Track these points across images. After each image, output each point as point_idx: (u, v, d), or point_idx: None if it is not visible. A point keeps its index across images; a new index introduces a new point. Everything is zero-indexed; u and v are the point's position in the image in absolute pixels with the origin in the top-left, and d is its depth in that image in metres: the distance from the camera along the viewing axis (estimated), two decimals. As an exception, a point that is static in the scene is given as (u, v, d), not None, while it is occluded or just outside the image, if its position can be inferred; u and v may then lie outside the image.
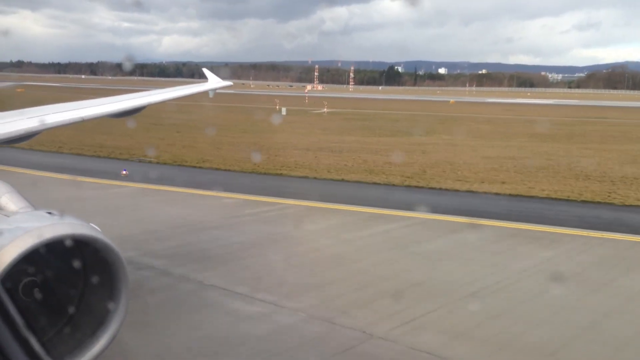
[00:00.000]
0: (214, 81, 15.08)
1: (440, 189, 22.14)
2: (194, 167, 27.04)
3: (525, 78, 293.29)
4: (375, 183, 23.34)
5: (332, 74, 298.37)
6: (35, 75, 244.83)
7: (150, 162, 28.18)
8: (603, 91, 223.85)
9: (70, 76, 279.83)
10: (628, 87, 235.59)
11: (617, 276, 12.16)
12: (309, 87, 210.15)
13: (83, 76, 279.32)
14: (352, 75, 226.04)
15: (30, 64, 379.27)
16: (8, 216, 4.06)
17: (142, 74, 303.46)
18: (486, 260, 13.05)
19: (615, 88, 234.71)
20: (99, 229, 3.94)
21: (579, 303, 10.62)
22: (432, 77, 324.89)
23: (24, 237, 3.44)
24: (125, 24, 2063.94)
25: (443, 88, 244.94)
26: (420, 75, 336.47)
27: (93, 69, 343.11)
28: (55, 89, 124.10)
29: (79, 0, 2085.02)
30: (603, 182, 23.94)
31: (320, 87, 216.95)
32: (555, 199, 20.47)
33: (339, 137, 42.45)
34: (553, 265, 12.85)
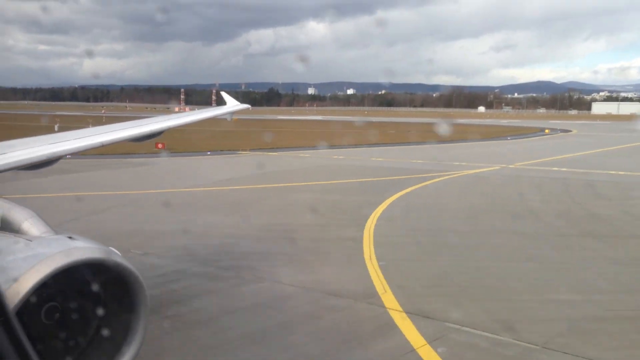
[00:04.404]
0: (231, 104, 15.21)
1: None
2: None
3: (390, 98, 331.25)
4: None
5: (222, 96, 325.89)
6: None
7: None
8: (438, 109, 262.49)
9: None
10: (462, 106, 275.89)
11: None
12: (176, 108, 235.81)
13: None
14: (214, 97, 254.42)
15: None
16: (31, 240, 4.20)
17: (34, 98, 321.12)
18: None
19: (451, 107, 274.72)
20: (118, 252, 4.26)
21: None
22: (314, 98, 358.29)
23: (45, 262, 3.64)
24: (42, 47, 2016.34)
25: (304, 108, 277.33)
26: (301, 95, 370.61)
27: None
28: None
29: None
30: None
31: (187, 108, 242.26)
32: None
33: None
34: None
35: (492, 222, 17.35)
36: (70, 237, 4.11)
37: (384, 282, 11.12)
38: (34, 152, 6.46)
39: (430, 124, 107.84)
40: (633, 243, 14.99)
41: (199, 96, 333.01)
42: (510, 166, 33.28)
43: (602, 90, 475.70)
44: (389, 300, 10.14)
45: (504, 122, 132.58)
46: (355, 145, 50.36)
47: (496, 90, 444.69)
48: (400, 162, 36.06)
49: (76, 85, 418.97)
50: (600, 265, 12.73)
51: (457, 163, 34.09)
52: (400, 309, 9.67)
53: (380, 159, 37.66)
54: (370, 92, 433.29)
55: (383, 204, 19.84)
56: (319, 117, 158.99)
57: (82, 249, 3.89)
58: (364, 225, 16.23)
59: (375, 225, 16.27)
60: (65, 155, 7.08)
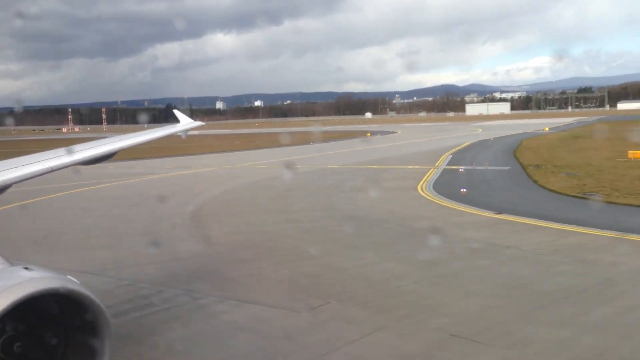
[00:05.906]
0: (185, 122, 14.97)
1: None
2: None
3: (287, 109, 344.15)
4: None
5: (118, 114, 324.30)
6: None
7: None
8: (329, 117, 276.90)
9: None
10: (353, 113, 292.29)
11: None
12: (64, 129, 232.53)
13: None
14: (104, 116, 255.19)
15: None
16: None
17: None
18: None
19: (344, 114, 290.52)
20: (76, 280, 4.25)
21: None
22: (214, 112, 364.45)
23: (2, 295, 3.67)
24: None
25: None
26: (202, 110, 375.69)
27: None
28: None
29: None
30: None
31: (77, 128, 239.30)
32: None
33: None
34: None
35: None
36: (26, 268, 4.13)
37: None
38: None
39: (284, 134, 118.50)
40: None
41: (95, 114, 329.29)
42: (226, 166, 42.65)
43: (500, 90, 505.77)
44: None
45: (362, 127, 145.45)
46: (156, 157, 57.93)
47: (396, 96, 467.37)
48: (151, 169, 44.22)
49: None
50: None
51: (198, 165, 42.94)
52: None
53: (142, 170, 45.70)
54: (279, 102, 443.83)
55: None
56: (196, 133, 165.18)
57: (38, 280, 3.93)
58: None
59: None
60: (15, 182, 6.93)
